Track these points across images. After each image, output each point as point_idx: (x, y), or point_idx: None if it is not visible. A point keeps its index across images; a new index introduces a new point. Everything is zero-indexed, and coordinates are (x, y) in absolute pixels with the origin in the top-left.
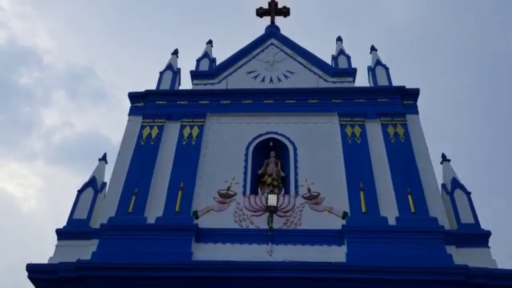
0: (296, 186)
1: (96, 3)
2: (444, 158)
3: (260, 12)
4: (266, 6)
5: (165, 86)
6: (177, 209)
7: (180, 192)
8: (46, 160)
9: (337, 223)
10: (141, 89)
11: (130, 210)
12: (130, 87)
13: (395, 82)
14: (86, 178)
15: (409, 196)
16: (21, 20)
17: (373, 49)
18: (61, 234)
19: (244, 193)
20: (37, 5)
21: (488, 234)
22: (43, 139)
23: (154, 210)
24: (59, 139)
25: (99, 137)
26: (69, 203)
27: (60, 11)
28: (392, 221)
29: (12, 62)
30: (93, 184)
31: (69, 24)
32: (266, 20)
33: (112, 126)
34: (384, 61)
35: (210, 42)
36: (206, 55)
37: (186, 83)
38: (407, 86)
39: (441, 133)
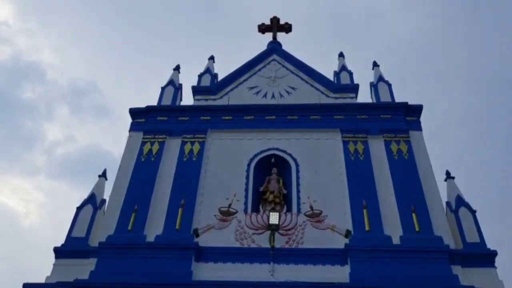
0: (298, 204)
1: (99, 19)
2: (448, 175)
3: (262, 28)
4: (268, 22)
5: (167, 101)
6: (177, 226)
7: (180, 209)
8: (48, 175)
9: (340, 242)
10: (144, 103)
11: (129, 227)
12: (132, 101)
13: (398, 98)
14: (87, 193)
15: (413, 215)
16: (25, 36)
17: (375, 65)
18: (59, 252)
19: (245, 210)
20: (41, 21)
21: (494, 254)
22: (45, 154)
23: (154, 227)
24: (61, 154)
25: (101, 152)
26: (70, 218)
27: (64, 27)
28: (396, 240)
29: (16, 77)
30: (93, 201)
31: (73, 39)
32: (268, 36)
33: (115, 140)
34: (386, 77)
35: (212, 58)
36: (208, 70)
37: (187, 99)
38: (410, 102)
39: (445, 150)
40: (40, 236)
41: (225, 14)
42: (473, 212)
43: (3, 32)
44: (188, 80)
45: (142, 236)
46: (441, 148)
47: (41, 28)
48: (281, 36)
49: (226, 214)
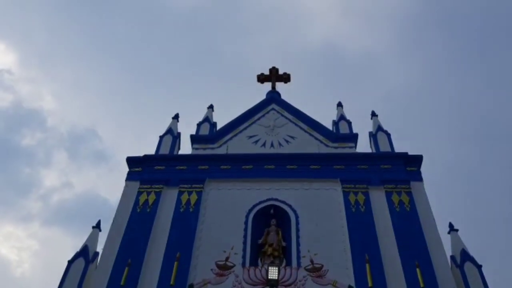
0: (298, 257)
1: (99, 67)
2: (452, 228)
3: (261, 78)
4: (267, 72)
5: (165, 150)
6: (172, 282)
7: (176, 263)
8: (43, 222)
9: None
10: (143, 150)
11: (122, 283)
12: (131, 148)
13: (397, 147)
14: (81, 242)
15: (418, 270)
16: (27, 83)
17: (373, 114)
18: None
19: (243, 264)
20: (43, 69)
21: None
22: (41, 200)
23: (148, 283)
24: (57, 200)
25: (98, 199)
26: (63, 268)
27: (66, 75)
28: None
29: (16, 123)
30: (85, 254)
31: (74, 87)
32: (267, 85)
33: (112, 187)
34: (385, 126)
35: (211, 107)
36: (206, 119)
37: (186, 148)
38: (409, 152)
39: (446, 200)
40: (31, 286)
41: (224, 63)
42: (479, 267)
43: (5, 79)
44: (187, 129)
45: None
46: (442, 198)
47: (42, 76)
48: (280, 86)
49: (223, 268)
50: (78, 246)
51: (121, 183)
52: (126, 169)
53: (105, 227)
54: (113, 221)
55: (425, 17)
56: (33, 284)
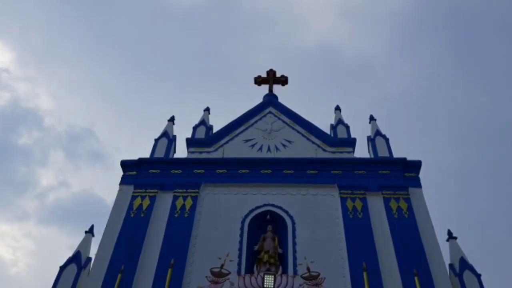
0: (295, 265)
1: (97, 67)
2: (451, 236)
3: (259, 81)
4: (264, 74)
5: (160, 153)
6: None
7: (169, 270)
8: (39, 221)
9: None
10: (139, 152)
11: None
12: (128, 148)
13: (395, 153)
14: (77, 241)
15: (416, 278)
16: (24, 82)
17: (372, 119)
18: None
19: (238, 272)
20: (41, 68)
21: None
22: (37, 199)
23: None
24: (53, 200)
25: (94, 199)
26: (57, 268)
27: (63, 75)
28: None
29: (13, 122)
30: (77, 260)
31: (71, 87)
32: (264, 88)
33: (108, 187)
34: (383, 130)
35: (207, 109)
36: (203, 122)
37: (181, 151)
38: (408, 157)
39: (444, 206)
40: (26, 287)
41: (221, 66)
42: (478, 276)
43: (3, 78)
44: (182, 132)
45: None
46: (441, 205)
47: (40, 75)
48: (277, 89)
49: (218, 275)
50: (74, 246)
51: (116, 183)
52: (121, 170)
53: (99, 231)
54: (107, 226)
55: (423, 20)
56: (28, 283)
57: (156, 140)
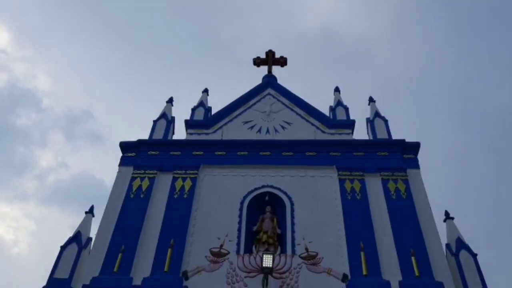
0: (293, 245)
1: (95, 48)
2: (448, 216)
3: (257, 62)
4: (263, 55)
5: (159, 135)
6: (166, 268)
7: (169, 250)
8: (39, 202)
9: (337, 286)
10: (138, 133)
11: (115, 269)
12: (126, 130)
13: (394, 134)
14: (78, 221)
15: (413, 258)
16: (22, 63)
17: (371, 100)
18: None
19: (237, 251)
20: (38, 49)
21: None
22: (37, 180)
23: (141, 269)
24: (53, 181)
25: (94, 180)
26: (58, 248)
27: (61, 55)
28: (395, 285)
29: (11, 103)
30: (78, 240)
31: (69, 68)
32: (263, 69)
33: (107, 168)
34: (382, 112)
35: (206, 91)
36: (201, 104)
37: (180, 133)
38: (407, 139)
39: (442, 187)
40: (27, 267)
41: (220, 47)
42: (474, 255)
43: (0, 59)
44: (181, 113)
45: (128, 279)
46: (439, 186)
47: (38, 56)
48: (276, 70)
49: (218, 255)
50: (74, 226)
51: (115, 165)
52: (121, 151)
53: (99, 211)
54: (106, 206)
55: (424, 2)
56: (29, 263)
57: (155, 122)
